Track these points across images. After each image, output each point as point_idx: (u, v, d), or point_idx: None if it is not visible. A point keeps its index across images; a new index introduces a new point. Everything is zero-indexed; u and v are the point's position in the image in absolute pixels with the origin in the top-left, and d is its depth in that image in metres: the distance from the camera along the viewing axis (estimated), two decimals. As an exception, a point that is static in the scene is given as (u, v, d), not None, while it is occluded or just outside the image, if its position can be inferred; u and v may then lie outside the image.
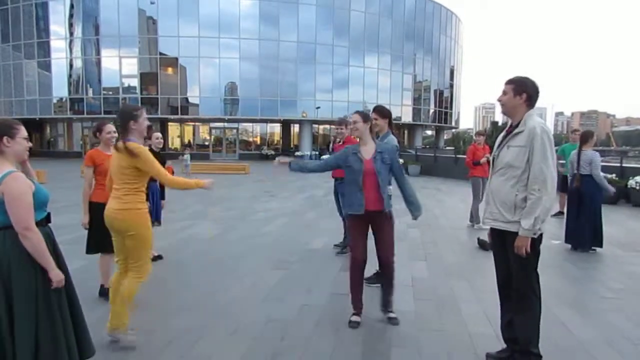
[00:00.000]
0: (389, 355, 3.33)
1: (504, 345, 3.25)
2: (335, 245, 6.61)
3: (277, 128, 40.20)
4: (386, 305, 4.04)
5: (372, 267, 5.22)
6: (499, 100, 3.09)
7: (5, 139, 2.40)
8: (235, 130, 38.72)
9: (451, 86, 48.42)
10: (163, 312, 4.14)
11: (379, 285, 4.91)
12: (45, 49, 36.00)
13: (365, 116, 3.98)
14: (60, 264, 2.52)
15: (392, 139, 5.05)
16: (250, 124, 39.26)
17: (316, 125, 39.49)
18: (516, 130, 3.01)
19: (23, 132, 2.50)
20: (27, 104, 36.68)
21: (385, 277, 4.06)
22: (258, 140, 40.29)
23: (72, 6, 35.09)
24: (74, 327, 2.54)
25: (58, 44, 35.75)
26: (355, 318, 3.91)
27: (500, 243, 3.15)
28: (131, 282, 3.40)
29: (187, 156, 19.08)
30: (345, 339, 3.60)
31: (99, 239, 4.17)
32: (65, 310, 2.49)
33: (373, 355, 3.34)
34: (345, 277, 5.15)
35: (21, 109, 36.52)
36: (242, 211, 10.08)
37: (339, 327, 3.82)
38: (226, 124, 38.05)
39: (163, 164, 5.89)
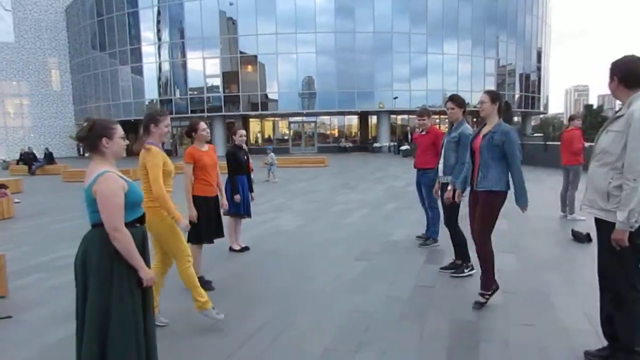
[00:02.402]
0: (477, 349, 3.25)
1: (605, 343, 3.05)
2: (417, 236, 6.52)
3: (354, 120, 40.21)
4: (481, 285, 4.05)
5: (448, 256, 5.14)
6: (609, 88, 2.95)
7: (104, 139, 2.41)
8: (313, 124, 39.29)
9: (538, 69, 45.52)
10: (253, 300, 4.33)
11: (454, 271, 4.85)
12: (137, 54, 38.76)
13: (494, 96, 3.93)
14: (147, 264, 2.54)
15: (467, 128, 4.90)
16: (328, 117, 39.61)
17: (394, 116, 38.99)
18: (617, 114, 2.82)
19: (120, 131, 2.50)
20: (122, 106, 39.80)
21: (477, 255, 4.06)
22: (336, 132, 40.55)
23: (159, 12, 37.42)
24: (145, 330, 2.54)
25: (148, 49, 38.32)
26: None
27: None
28: (179, 270, 3.62)
29: (271, 154, 15.99)
30: (431, 331, 3.56)
31: (200, 230, 4.53)
32: (139, 312, 2.46)
33: (460, 348, 3.28)
34: (429, 269, 5.10)
35: (118, 112, 39.69)
36: (323, 203, 10.24)
37: (424, 319, 3.79)
38: (304, 118, 38.71)
39: (247, 159, 6.16)
